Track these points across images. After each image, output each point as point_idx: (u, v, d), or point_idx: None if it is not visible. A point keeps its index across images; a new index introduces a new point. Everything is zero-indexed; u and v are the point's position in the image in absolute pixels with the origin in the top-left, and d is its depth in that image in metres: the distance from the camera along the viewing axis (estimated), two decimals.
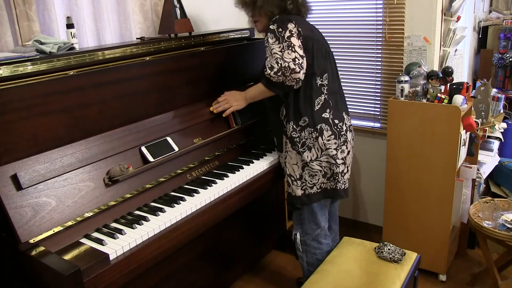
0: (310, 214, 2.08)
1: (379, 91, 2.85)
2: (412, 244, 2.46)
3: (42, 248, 1.40)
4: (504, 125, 2.92)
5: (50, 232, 1.45)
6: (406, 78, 2.45)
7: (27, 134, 1.51)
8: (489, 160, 2.85)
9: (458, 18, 2.58)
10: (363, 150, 3.02)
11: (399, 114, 2.46)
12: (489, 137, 2.91)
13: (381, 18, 2.71)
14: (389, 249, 1.96)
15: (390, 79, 2.77)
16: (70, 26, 1.98)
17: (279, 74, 1.83)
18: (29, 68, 1.60)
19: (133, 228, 1.57)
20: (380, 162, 2.87)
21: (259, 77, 2.00)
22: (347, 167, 2.06)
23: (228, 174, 2.00)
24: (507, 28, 3.11)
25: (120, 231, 1.54)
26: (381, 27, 2.73)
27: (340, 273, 1.88)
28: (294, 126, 1.96)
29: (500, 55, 3.14)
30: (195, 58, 2.18)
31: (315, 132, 1.94)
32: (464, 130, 2.41)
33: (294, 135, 1.97)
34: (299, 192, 2.01)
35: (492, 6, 3.37)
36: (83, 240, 1.51)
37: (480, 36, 3.26)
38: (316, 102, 1.95)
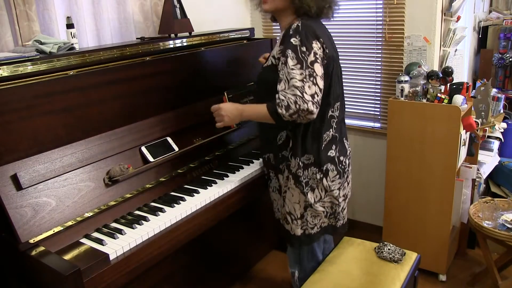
0: (309, 253, 1.96)
1: (379, 91, 2.85)
2: (412, 244, 2.46)
3: (42, 248, 1.40)
4: (504, 125, 2.92)
5: (50, 232, 1.45)
6: (406, 78, 2.45)
7: (27, 134, 1.51)
8: (489, 160, 2.85)
9: (458, 18, 2.58)
10: (363, 150, 3.02)
11: (399, 114, 2.46)
12: (489, 137, 2.91)
13: (381, 18, 2.71)
14: (389, 249, 1.96)
15: (390, 79, 2.77)
16: (70, 26, 1.98)
17: (294, 116, 1.57)
18: (29, 68, 1.60)
19: (133, 228, 1.57)
20: (380, 162, 2.87)
21: (259, 88, 1.82)
22: (346, 200, 1.92)
23: (228, 174, 2.00)
24: (507, 28, 3.11)
25: (120, 231, 1.54)
26: (381, 27, 2.73)
27: (340, 273, 1.88)
28: (300, 163, 1.74)
29: (500, 55, 3.14)
30: (194, 57, 2.18)
31: (319, 173, 1.75)
32: (464, 130, 2.41)
33: (299, 173, 1.74)
34: (298, 232, 1.83)
35: (492, 6, 3.38)
36: (83, 240, 1.51)
37: (480, 36, 3.26)
38: (324, 138, 1.75)
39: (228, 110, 1.77)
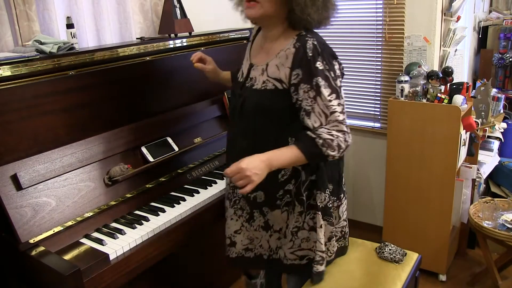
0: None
1: (379, 91, 2.85)
2: (412, 244, 2.46)
3: (42, 248, 1.40)
4: (504, 125, 2.92)
5: (50, 232, 1.45)
6: (406, 78, 2.45)
7: (27, 134, 1.51)
8: (489, 160, 2.85)
9: (458, 18, 2.58)
10: (363, 150, 3.02)
11: (399, 114, 2.46)
12: (489, 137, 2.91)
13: (381, 18, 2.71)
14: (390, 250, 1.96)
15: (390, 79, 2.77)
16: (70, 26, 1.98)
17: (343, 154, 1.42)
18: (29, 68, 1.60)
19: (133, 228, 1.56)
20: (380, 162, 2.87)
21: (256, 116, 1.47)
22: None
23: None
24: (507, 28, 3.11)
25: (120, 231, 1.53)
26: (381, 27, 2.72)
27: (341, 273, 1.88)
28: (328, 195, 1.54)
29: (500, 55, 3.14)
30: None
31: (337, 201, 1.60)
32: (464, 130, 2.41)
33: (329, 205, 1.55)
34: (321, 268, 1.60)
35: (492, 6, 3.38)
36: (83, 240, 1.51)
37: (480, 36, 3.26)
38: (343, 163, 1.63)
39: (254, 167, 1.32)
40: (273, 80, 1.43)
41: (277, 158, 1.37)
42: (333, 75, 1.38)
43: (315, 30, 1.46)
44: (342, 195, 1.63)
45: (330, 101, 1.36)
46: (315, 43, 1.37)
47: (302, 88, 1.37)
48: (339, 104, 1.37)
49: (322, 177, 1.50)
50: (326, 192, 1.52)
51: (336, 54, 1.46)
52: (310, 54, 1.36)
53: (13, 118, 1.47)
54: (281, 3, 1.37)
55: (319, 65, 1.35)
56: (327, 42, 1.45)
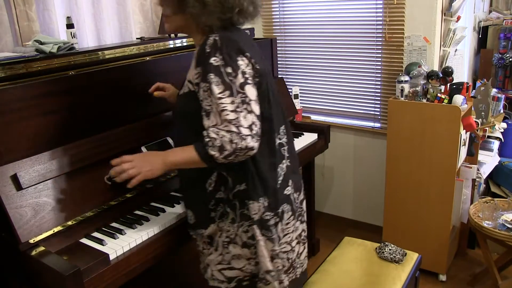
0: None
1: (379, 91, 2.85)
2: (412, 244, 2.46)
3: (42, 248, 1.40)
4: (504, 125, 2.92)
5: (50, 232, 1.45)
6: (406, 78, 2.45)
7: (27, 134, 1.51)
8: (489, 160, 2.85)
9: (458, 18, 2.58)
10: (363, 150, 3.02)
11: (399, 114, 2.46)
12: (489, 137, 2.91)
13: (381, 18, 2.71)
14: (390, 250, 1.96)
15: (390, 79, 2.77)
16: (70, 26, 1.98)
17: (230, 158, 1.27)
18: (29, 68, 1.60)
19: (133, 228, 1.56)
20: (380, 162, 2.87)
21: (178, 123, 1.47)
22: (303, 243, 1.58)
23: None
24: (507, 28, 3.11)
25: (120, 231, 1.53)
26: (381, 27, 2.73)
27: (341, 273, 1.88)
28: (266, 204, 1.39)
29: (500, 55, 3.14)
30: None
31: (275, 218, 1.41)
32: (464, 130, 2.41)
33: (267, 217, 1.40)
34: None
35: (492, 6, 3.38)
36: (83, 240, 1.51)
37: (480, 36, 3.26)
38: (278, 173, 1.42)
39: (147, 160, 1.38)
40: (188, 82, 1.39)
41: (173, 154, 1.37)
42: (230, 70, 1.27)
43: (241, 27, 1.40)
44: (282, 212, 1.43)
45: (220, 98, 1.25)
46: (217, 38, 1.29)
47: (202, 87, 1.30)
48: (232, 102, 1.25)
49: (253, 186, 1.38)
50: (260, 201, 1.38)
51: (256, 51, 1.37)
52: (208, 50, 1.28)
53: (13, 118, 1.47)
54: (183, 16, 1.35)
55: (214, 60, 1.27)
56: (244, 38, 1.37)
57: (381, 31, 2.73)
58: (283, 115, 1.47)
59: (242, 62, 1.29)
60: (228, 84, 1.26)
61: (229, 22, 1.34)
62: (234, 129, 1.24)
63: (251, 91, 1.29)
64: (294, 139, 2.44)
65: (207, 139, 1.27)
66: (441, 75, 2.39)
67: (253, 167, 1.37)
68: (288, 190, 1.45)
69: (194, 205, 1.49)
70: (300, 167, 1.53)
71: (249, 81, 1.29)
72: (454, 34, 2.62)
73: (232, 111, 1.25)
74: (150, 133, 1.89)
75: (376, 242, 2.07)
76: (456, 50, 2.74)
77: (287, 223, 1.45)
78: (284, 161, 1.44)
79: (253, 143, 1.27)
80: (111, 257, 1.41)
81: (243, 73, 1.29)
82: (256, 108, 1.30)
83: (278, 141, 1.43)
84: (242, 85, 1.27)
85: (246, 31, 2.65)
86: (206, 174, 1.41)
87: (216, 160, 1.27)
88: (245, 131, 1.25)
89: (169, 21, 1.40)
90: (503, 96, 2.93)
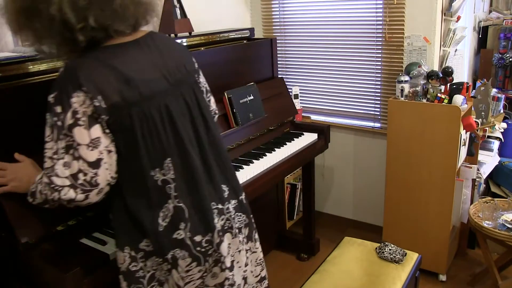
0: None
1: (379, 91, 2.85)
2: (412, 244, 2.46)
3: (42, 248, 1.40)
4: (504, 125, 2.92)
5: (50, 232, 1.44)
6: (406, 78, 2.45)
7: (27, 134, 1.50)
8: (489, 160, 2.85)
9: (458, 18, 2.59)
10: (363, 150, 3.02)
11: (399, 114, 2.46)
12: (489, 137, 2.91)
13: (381, 18, 2.71)
14: (390, 250, 1.96)
15: (390, 79, 2.77)
16: None
17: (46, 206, 1.18)
18: (29, 68, 1.60)
19: None
20: (380, 162, 2.87)
21: None
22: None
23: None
24: (507, 28, 3.11)
25: None
26: (381, 27, 2.73)
27: (341, 273, 1.88)
28: (132, 253, 1.21)
29: (500, 55, 3.14)
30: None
31: (165, 264, 1.21)
32: (464, 130, 2.41)
33: (133, 268, 1.22)
34: None
35: (492, 6, 3.38)
36: (83, 240, 1.51)
37: (480, 36, 3.27)
38: (159, 215, 1.19)
39: (21, 172, 1.31)
40: None
41: (34, 175, 1.23)
42: (59, 110, 1.09)
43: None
44: (174, 259, 1.20)
45: (46, 142, 1.13)
46: (67, 66, 1.13)
47: None
48: (51, 148, 1.12)
49: (117, 232, 1.25)
50: (125, 251, 1.22)
51: (100, 83, 1.11)
52: (54, 83, 1.13)
53: (13, 118, 1.47)
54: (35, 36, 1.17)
55: (50, 97, 1.12)
56: (106, 60, 1.14)
57: (381, 31, 2.73)
58: (178, 145, 1.22)
59: (76, 100, 1.09)
60: (53, 126, 1.11)
61: (94, 41, 1.14)
62: (45, 179, 1.13)
63: (81, 134, 1.10)
64: (294, 139, 2.44)
65: (37, 179, 1.18)
66: (441, 75, 2.39)
67: (123, 208, 1.21)
68: (180, 234, 1.20)
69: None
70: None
71: (80, 123, 1.10)
72: (454, 34, 2.62)
73: (49, 157, 1.12)
74: None
75: (376, 242, 2.07)
76: (456, 50, 2.74)
77: (187, 271, 1.22)
78: (170, 201, 1.20)
79: (76, 194, 1.12)
80: (111, 257, 1.41)
81: (74, 113, 1.09)
82: (88, 153, 1.11)
83: (160, 178, 1.19)
84: (70, 127, 1.10)
85: (246, 31, 2.65)
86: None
87: (39, 205, 1.19)
88: (58, 182, 1.11)
89: (26, 38, 1.19)
90: (503, 96, 2.93)
